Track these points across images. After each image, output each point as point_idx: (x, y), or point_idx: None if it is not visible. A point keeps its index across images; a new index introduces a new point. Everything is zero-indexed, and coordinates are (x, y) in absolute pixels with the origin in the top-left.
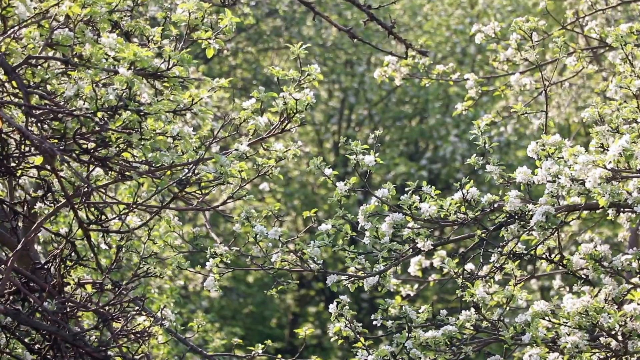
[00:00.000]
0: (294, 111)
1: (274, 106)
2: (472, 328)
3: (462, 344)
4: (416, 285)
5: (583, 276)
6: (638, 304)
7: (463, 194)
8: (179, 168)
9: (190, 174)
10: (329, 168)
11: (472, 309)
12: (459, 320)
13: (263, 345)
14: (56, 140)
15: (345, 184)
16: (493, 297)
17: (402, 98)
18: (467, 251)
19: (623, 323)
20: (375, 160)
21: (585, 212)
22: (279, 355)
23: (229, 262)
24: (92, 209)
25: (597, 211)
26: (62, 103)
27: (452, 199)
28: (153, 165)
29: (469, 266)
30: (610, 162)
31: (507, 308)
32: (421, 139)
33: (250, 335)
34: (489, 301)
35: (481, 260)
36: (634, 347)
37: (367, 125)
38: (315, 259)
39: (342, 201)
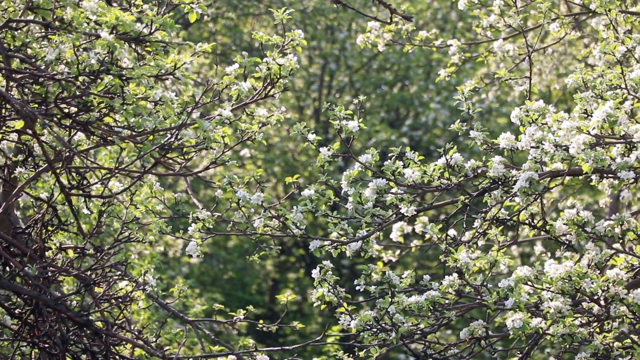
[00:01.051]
0: (278, 76)
1: (257, 72)
2: (455, 293)
3: (445, 309)
4: (398, 251)
5: (566, 242)
6: (620, 270)
7: (447, 160)
8: (161, 133)
9: (172, 139)
10: (311, 134)
11: (455, 275)
12: (442, 286)
13: (245, 311)
14: (37, 105)
15: (328, 149)
16: (476, 262)
17: (383, 65)
18: (450, 217)
19: (605, 288)
20: (359, 126)
21: (568, 178)
22: (261, 321)
23: (211, 227)
24: (74, 174)
25: (580, 177)
26: (43, 67)
27: (436, 164)
28: (135, 130)
29: (452, 232)
30: (594, 128)
31: (490, 274)
32: (402, 106)
33: (230, 302)
34: (472, 267)
35: (464, 226)
36: (616, 311)
37: (347, 92)
38: (298, 225)
39: (324, 167)
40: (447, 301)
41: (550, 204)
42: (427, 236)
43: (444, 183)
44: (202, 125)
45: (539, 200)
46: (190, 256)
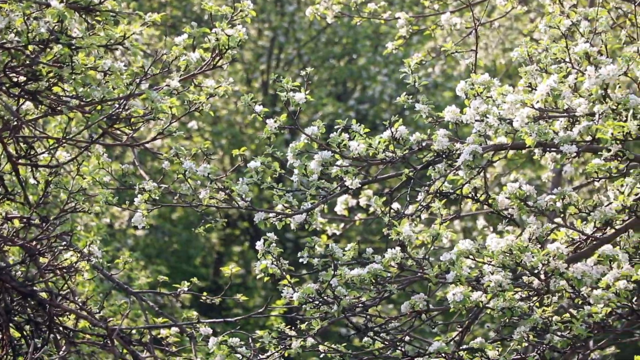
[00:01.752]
0: (226, 47)
1: (206, 42)
2: (397, 267)
3: (387, 282)
4: (342, 225)
5: (507, 216)
6: (561, 244)
7: (392, 133)
8: (109, 103)
9: (120, 109)
10: (258, 105)
11: (398, 248)
12: (385, 259)
13: (189, 283)
14: None
15: (275, 121)
16: (419, 236)
17: (331, 38)
18: (394, 190)
19: (546, 262)
20: (306, 98)
21: (511, 152)
22: (204, 293)
23: (157, 198)
24: (22, 143)
25: (524, 151)
26: None
27: (381, 137)
28: (83, 100)
29: (396, 205)
30: (538, 101)
31: (432, 247)
32: (350, 79)
33: (175, 274)
34: (414, 240)
35: (408, 199)
36: (556, 285)
37: (296, 65)
38: (243, 197)
39: (271, 139)
40: (389, 274)
41: (493, 178)
42: (371, 209)
43: (388, 156)
44: (149, 96)
45: (482, 174)
46: (135, 228)
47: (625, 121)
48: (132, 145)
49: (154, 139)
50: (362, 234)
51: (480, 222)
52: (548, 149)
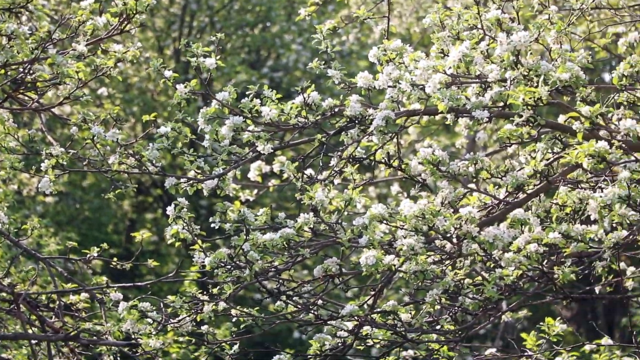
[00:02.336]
0: (134, 12)
1: (113, 7)
2: (310, 231)
3: (300, 246)
4: (255, 191)
5: (420, 180)
6: (473, 208)
7: (304, 98)
8: (13, 67)
9: (25, 73)
10: (168, 70)
11: (311, 212)
12: (297, 224)
13: (99, 249)
14: None
15: (185, 87)
16: (332, 201)
17: (244, 6)
18: (307, 156)
19: (458, 226)
20: (216, 64)
21: (425, 118)
22: (115, 259)
23: (64, 164)
24: None
25: (437, 117)
26: None
27: (293, 102)
28: None
29: (309, 171)
30: (450, 67)
31: (345, 212)
32: (263, 47)
33: (86, 241)
34: (327, 204)
35: (321, 165)
36: (468, 249)
37: (208, 32)
38: (154, 162)
39: (182, 104)
40: (302, 239)
41: (408, 144)
42: (285, 175)
43: (301, 121)
44: (55, 60)
45: (395, 139)
46: (44, 194)
47: (537, 87)
48: (39, 110)
49: (60, 103)
50: (277, 200)
51: (395, 188)
52: (460, 114)
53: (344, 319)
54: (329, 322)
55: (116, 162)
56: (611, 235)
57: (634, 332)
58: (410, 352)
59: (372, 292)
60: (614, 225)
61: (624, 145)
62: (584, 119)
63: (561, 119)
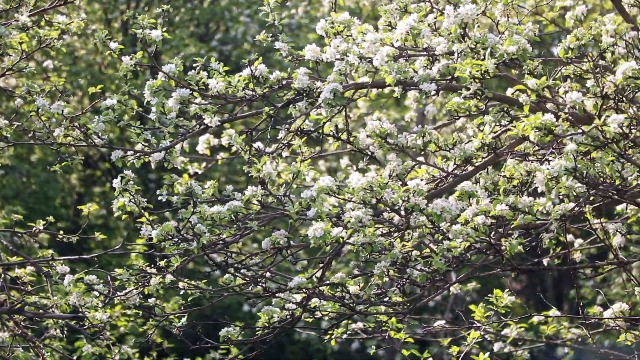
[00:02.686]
0: None
1: None
2: (258, 204)
3: (248, 219)
4: (204, 164)
5: (368, 153)
6: (421, 180)
7: (251, 70)
8: None
9: None
10: (113, 42)
11: (259, 185)
12: (245, 196)
13: (44, 221)
14: None
15: (130, 58)
16: (281, 174)
17: None
18: (254, 128)
19: (406, 198)
20: (163, 36)
21: (374, 91)
22: (61, 232)
23: (8, 136)
24: None
25: (386, 90)
26: None
27: (240, 75)
28: None
29: (258, 144)
30: (397, 40)
31: (294, 184)
32: (212, 19)
33: (33, 215)
34: (275, 177)
35: (269, 137)
36: (416, 221)
37: (156, 4)
38: (100, 135)
39: (127, 76)
40: (250, 211)
41: (357, 118)
42: (234, 149)
43: (248, 94)
44: None
45: (343, 112)
46: None
47: (484, 60)
48: None
49: (3, 75)
50: (227, 174)
51: (344, 161)
52: (408, 87)
53: (293, 291)
54: (277, 295)
55: (61, 134)
56: (558, 207)
57: (581, 304)
58: (360, 324)
59: (321, 265)
60: (561, 197)
61: (570, 117)
62: (530, 92)
63: (509, 91)
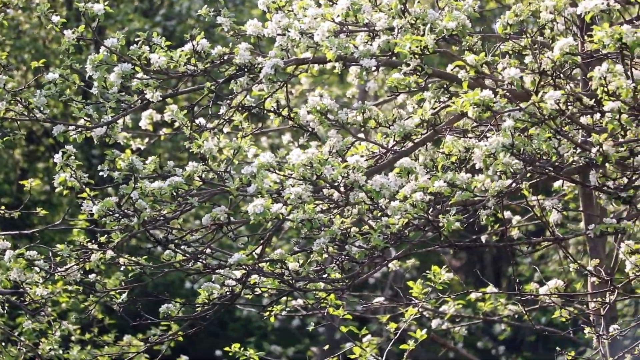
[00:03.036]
0: None
1: None
2: (199, 179)
3: (188, 195)
4: (147, 139)
5: (309, 129)
6: (360, 157)
7: (193, 45)
8: None
9: None
10: (56, 16)
11: (200, 161)
12: (185, 172)
13: None
14: None
15: (72, 32)
16: (223, 150)
17: None
18: (196, 104)
19: (345, 175)
20: (105, 9)
21: (317, 67)
22: (2, 207)
23: None
24: None
25: (328, 66)
26: None
27: (182, 50)
28: None
29: (200, 120)
30: (338, 15)
31: (237, 160)
32: None
33: None
34: (216, 153)
35: (210, 113)
36: (355, 197)
37: None
38: (42, 109)
39: (69, 50)
40: (191, 187)
41: (299, 94)
42: (177, 124)
43: (190, 69)
44: None
45: (285, 88)
46: None
47: (423, 36)
48: None
49: None
50: (170, 150)
51: (286, 137)
52: (349, 63)
53: (232, 267)
54: (216, 271)
55: (3, 109)
56: (495, 184)
57: (517, 281)
58: (300, 301)
59: (261, 241)
60: (499, 174)
61: (508, 94)
62: (469, 68)
63: (449, 68)
